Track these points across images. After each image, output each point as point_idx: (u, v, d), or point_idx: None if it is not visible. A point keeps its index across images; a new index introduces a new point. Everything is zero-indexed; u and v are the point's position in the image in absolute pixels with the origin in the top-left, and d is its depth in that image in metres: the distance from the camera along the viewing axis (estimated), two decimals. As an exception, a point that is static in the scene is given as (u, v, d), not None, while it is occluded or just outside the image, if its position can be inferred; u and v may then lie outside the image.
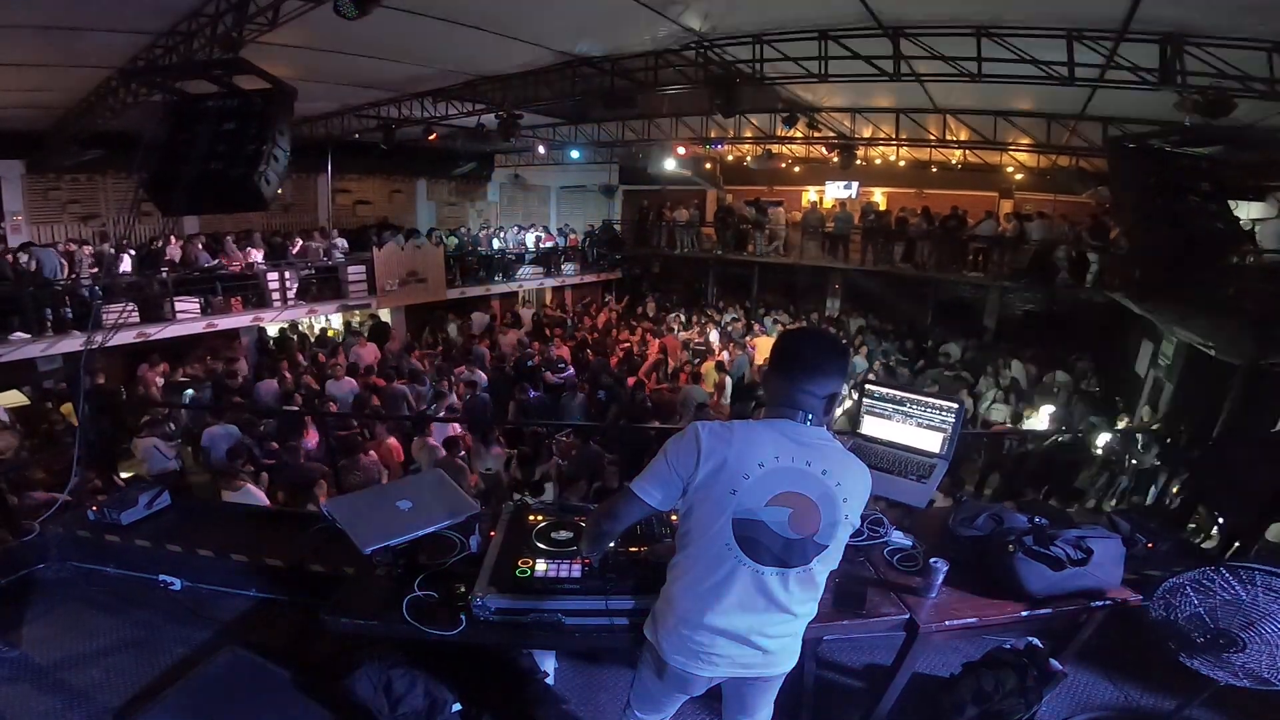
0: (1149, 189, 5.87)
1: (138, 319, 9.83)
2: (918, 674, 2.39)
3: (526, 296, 16.85)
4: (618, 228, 18.62)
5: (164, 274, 10.41)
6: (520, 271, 15.90)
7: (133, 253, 10.51)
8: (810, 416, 1.67)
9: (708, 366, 10.53)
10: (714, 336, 12.71)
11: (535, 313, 15.26)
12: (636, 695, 1.96)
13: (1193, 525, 4.77)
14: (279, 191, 3.94)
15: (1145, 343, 10.59)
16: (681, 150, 13.05)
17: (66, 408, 7.03)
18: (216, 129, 3.85)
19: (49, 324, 9.18)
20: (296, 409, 8.04)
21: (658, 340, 12.30)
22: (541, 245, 16.53)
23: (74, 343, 9.00)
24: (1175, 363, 9.15)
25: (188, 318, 10.52)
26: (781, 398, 1.70)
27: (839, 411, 5.18)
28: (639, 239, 18.35)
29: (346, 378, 8.80)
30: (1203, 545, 3.60)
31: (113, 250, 10.17)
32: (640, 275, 18.49)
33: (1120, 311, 10.60)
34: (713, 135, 12.85)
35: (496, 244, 15.74)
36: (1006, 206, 14.29)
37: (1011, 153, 11.87)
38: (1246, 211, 8.96)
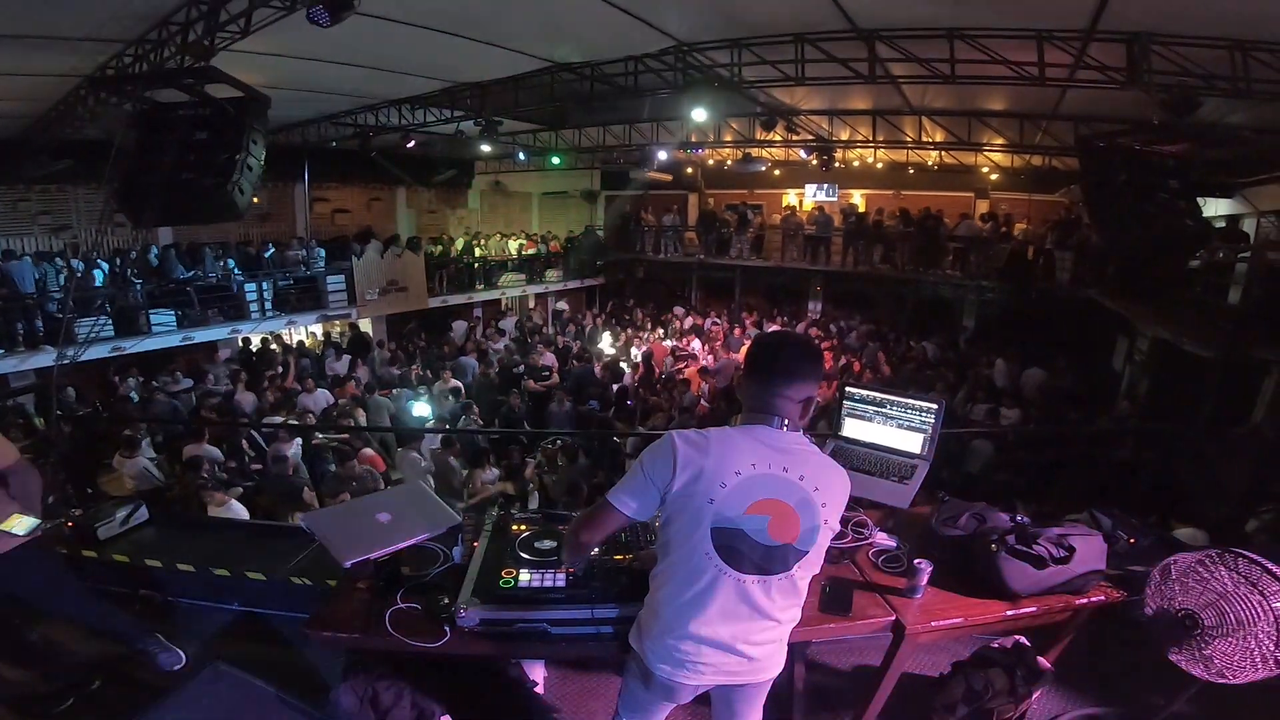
0: (1119, 187, 5.98)
1: (112, 333, 9.65)
2: (907, 674, 2.40)
3: (509, 304, 16.77)
4: (600, 233, 18.58)
5: (138, 286, 10.22)
6: (503, 279, 15.82)
7: (105, 265, 10.30)
8: (786, 421, 1.67)
9: (692, 371, 10.53)
10: (697, 345, 12.69)
11: (518, 320, 15.17)
12: (624, 703, 1.95)
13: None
14: (254, 201, 3.90)
15: (1121, 338, 10.78)
16: (663, 155, 13.04)
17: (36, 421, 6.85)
18: (188, 138, 3.81)
19: (20, 338, 8.98)
20: (280, 422, 7.90)
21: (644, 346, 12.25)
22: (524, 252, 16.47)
23: (46, 358, 8.81)
24: (1150, 358, 9.31)
25: (164, 330, 10.34)
26: (757, 403, 1.69)
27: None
28: (621, 244, 18.31)
29: (319, 390, 8.70)
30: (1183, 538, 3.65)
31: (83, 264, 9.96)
32: (623, 280, 18.48)
33: (1095, 308, 10.76)
34: (693, 139, 12.87)
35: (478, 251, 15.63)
36: (982, 206, 14.46)
37: (986, 153, 12.03)
38: (1214, 209, 9.17)
